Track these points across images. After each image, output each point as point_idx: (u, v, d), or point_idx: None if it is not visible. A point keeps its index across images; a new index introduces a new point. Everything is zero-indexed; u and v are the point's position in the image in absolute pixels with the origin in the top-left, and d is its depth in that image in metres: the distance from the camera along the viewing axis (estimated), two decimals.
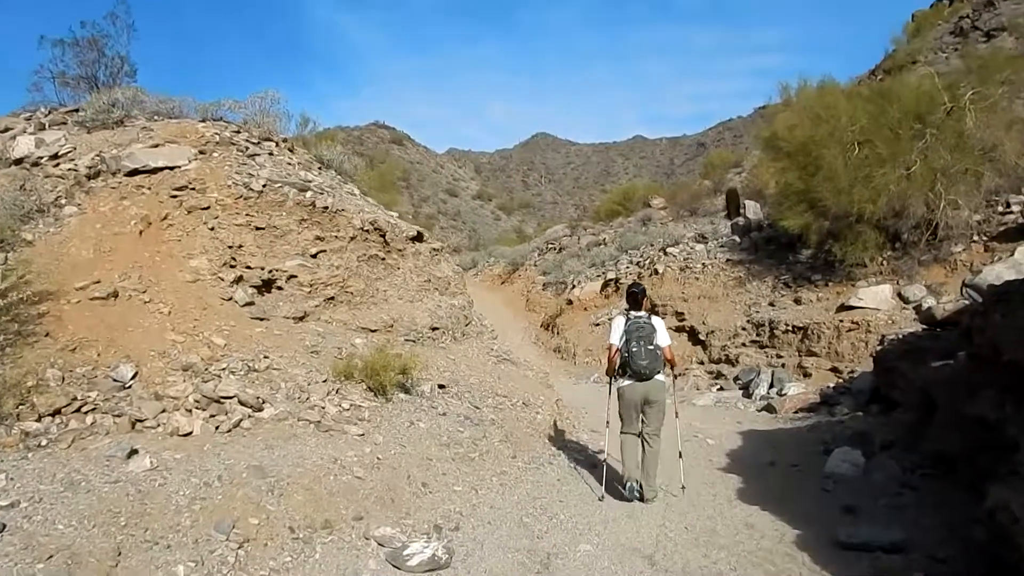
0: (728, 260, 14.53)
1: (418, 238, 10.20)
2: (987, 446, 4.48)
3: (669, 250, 16.12)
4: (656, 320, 5.21)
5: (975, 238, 10.58)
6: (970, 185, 10.87)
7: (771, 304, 12.38)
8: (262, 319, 6.69)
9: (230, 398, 5.09)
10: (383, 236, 9.19)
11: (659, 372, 5.05)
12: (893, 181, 11.04)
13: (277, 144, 9.47)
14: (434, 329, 8.59)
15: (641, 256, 17.82)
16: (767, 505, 5.08)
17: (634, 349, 4.99)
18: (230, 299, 6.64)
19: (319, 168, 11.20)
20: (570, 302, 19.17)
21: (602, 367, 12.02)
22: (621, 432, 5.26)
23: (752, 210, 15.75)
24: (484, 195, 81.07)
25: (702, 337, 13.01)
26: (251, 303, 6.76)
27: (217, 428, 4.75)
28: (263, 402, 5.32)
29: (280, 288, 7.45)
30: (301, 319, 7.35)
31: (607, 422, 5.70)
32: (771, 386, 10.22)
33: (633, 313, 5.20)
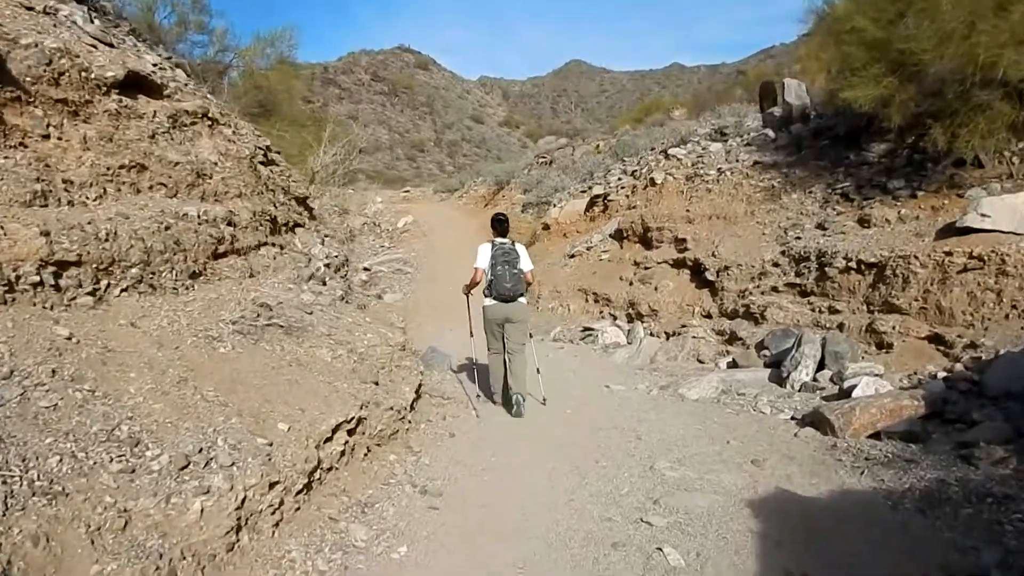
0: (756, 163, 9.91)
1: (137, 86, 5.40)
2: None
3: (673, 152, 11.47)
4: (519, 247, 5.39)
5: None
6: None
7: (820, 227, 7.91)
8: None
9: None
10: None
11: (521, 294, 5.30)
12: None
13: None
14: (59, 269, 3.48)
15: (638, 164, 13.20)
16: None
17: (499, 272, 5.17)
18: None
19: None
20: (547, 226, 14.83)
21: (572, 316, 10.52)
22: (489, 352, 5.43)
23: (794, 93, 10.95)
24: (511, 122, 79.20)
25: (711, 276, 8.63)
26: None
27: None
28: None
29: None
30: None
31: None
32: (820, 366, 5.92)
33: (499, 240, 5.33)
